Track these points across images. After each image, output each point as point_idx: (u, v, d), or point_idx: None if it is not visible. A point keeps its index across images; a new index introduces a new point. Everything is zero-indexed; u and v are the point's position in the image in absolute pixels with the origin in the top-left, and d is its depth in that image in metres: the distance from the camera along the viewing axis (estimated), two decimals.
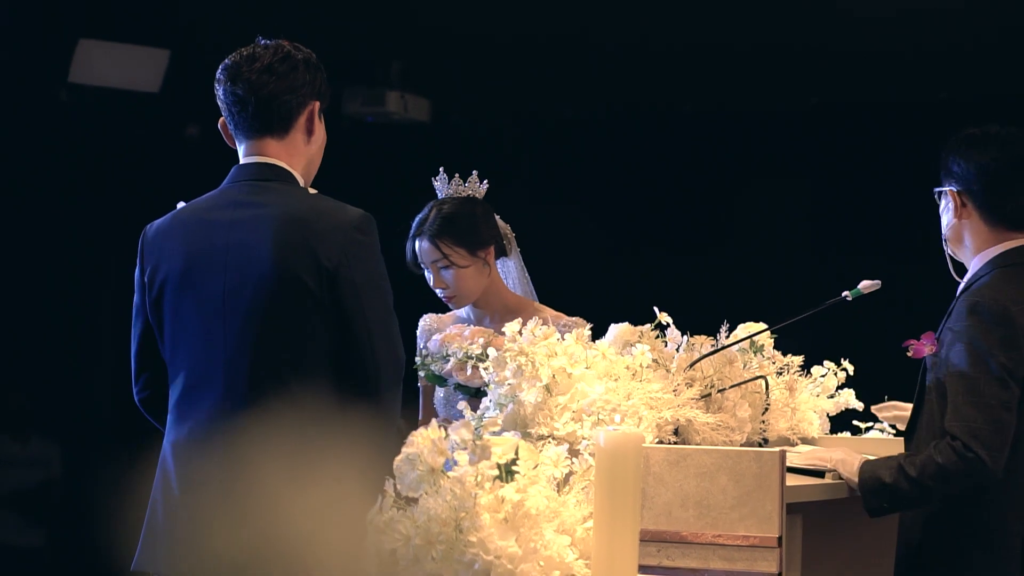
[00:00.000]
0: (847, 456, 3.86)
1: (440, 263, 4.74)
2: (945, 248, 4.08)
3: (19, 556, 10.71)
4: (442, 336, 4.69)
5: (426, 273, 4.80)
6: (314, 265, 3.49)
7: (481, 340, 4.54)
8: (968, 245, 4.00)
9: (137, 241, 3.73)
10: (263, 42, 3.68)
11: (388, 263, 3.64)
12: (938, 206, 4.07)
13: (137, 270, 3.69)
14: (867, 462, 3.82)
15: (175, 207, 3.74)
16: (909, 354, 3.97)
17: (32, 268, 10.86)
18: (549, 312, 4.74)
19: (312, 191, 3.69)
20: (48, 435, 10.78)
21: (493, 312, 4.77)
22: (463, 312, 4.91)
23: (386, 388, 3.54)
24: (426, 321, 4.94)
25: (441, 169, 4.85)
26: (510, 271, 4.94)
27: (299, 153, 3.69)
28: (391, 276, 3.64)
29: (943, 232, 4.05)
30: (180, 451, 3.55)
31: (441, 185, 4.84)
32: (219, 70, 3.68)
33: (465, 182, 4.82)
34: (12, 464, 10.69)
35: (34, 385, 10.79)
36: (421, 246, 4.76)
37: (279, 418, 3.45)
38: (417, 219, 4.81)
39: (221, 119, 3.72)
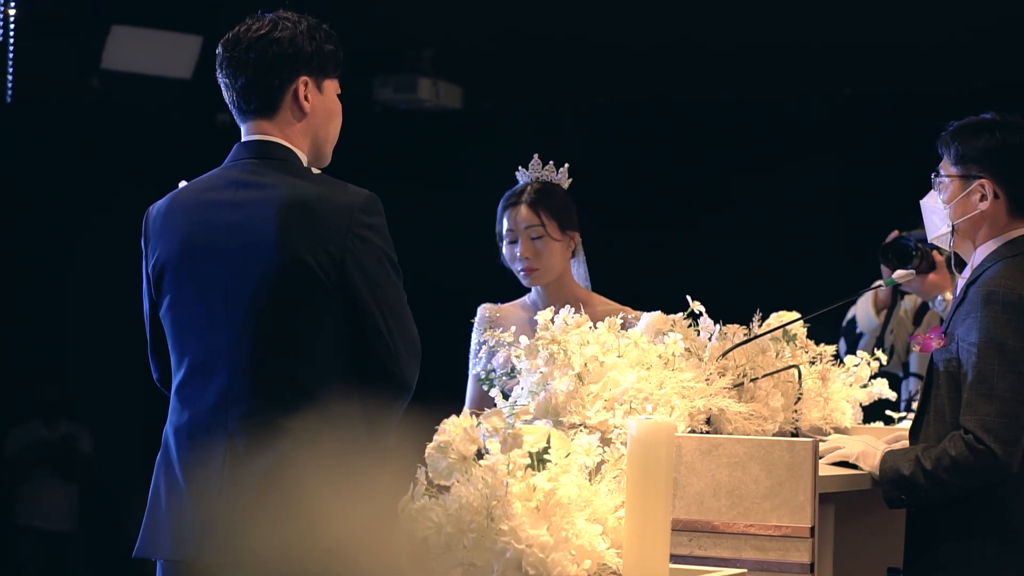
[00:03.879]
0: (867, 448, 3.81)
1: (534, 231, 4.80)
2: (945, 238, 3.96)
3: (50, 541, 10.77)
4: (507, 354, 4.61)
5: (506, 247, 4.83)
6: (319, 248, 3.43)
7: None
8: (980, 236, 3.88)
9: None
10: (251, 20, 3.61)
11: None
12: (939, 193, 3.91)
13: (143, 254, 3.62)
14: (889, 453, 3.78)
15: (176, 186, 3.67)
16: (916, 349, 3.92)
17: (63, 256, 10.90)
18: (614, 306, 4.75)
19: (315, 171, 3.62)
20: (77, 421, 10.84)
21: (561, 303, 4.66)
22: (527, 300, 4.91)
23: (408, 373, 3.51)
24: (486, 310, 4.94)
25: (536, 155, 4.88)
26: (578, 272, 4.95)
27: (295, 131, 3.60)
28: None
29: (953, 222, 3.88)
30: (183, 438, 3.50)
31: (531, 170, 4.86)
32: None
33: (556, 170, 4.87)
34: (43, 449, 10.75)
35: (65, 372, 10.84)
36: (517, 213, 4.82)
37: (287, 408, 3.41)
38: (508, 193, 4.88)
39: None
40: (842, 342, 6.02)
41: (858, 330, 6.05)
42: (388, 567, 3.08)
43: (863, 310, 6.05)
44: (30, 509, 10.70)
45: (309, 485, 3.33)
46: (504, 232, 4.85)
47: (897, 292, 5.85)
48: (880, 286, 4.35)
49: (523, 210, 4.81)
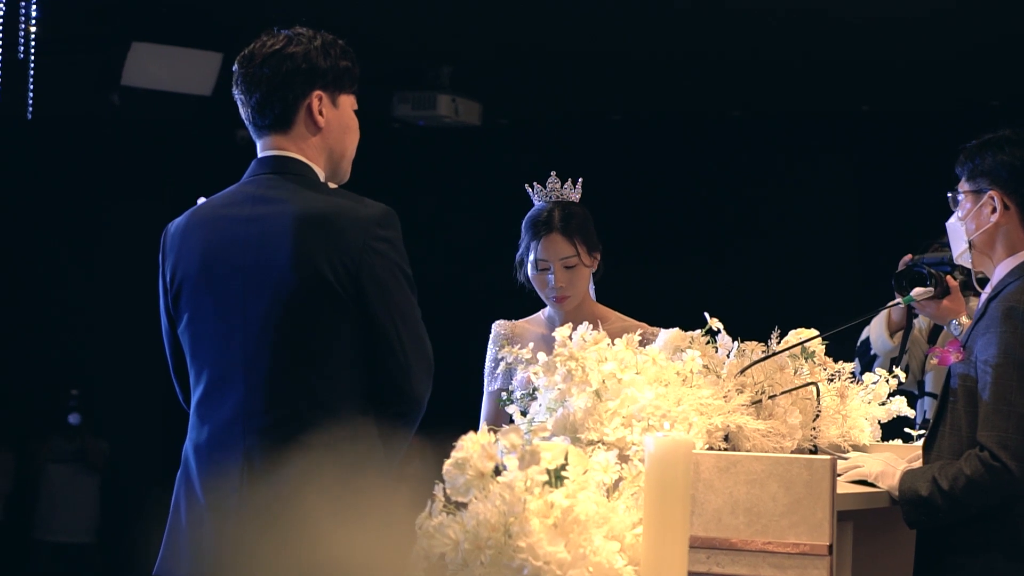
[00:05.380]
0: (887, 468, 3.81)
1: (570, 260, 4.76)
2: (965, 254, 3.97)
3: (68, 553, 10.79)
4: (528, 374, 4.58)
5: (535, 274, 4.78)
6: (335, 262, 3.43)
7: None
8: (997, 251, 3.90)
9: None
10: (266, 36, 3.63)
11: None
12: (956, 211, 3.96)
13: (159, 271, 3.63)
14: (907, 473, 3.77)
15: (195, 203, 3.69)
16: (934, 362, 3.92)
17: (82, 270, 10.93)
18: (631, 323, 4.72)
19: (332, 186, 3.62)
20: (96, 433, 10.86)
21: (579, 320, 4.61)
22: (543, 316, 4.89)
23: (420, 390, 3.51)
24: (502, 327, 4.90)
25: (553, 173, 4.85)
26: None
27: (310, 145, 3.61)
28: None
29: (968, 238, 3.93)
30: (203, 454, 3.50)
31: (549, 189, 4.82)
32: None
33: (563, 186, 4.83)
34: (62, 461, 10.77)
35: (84, 384, 10.86)
36: (552, 243, 4.76)
37: (304, 422, 3.41)
38: (533, 218, 4.81)
39: None
40: (856, 363, 5.98)
41: (872, 351, 6.00)
42: None
43: (876, 332, 6.00)
44: (48, 522, 10.73)
45: (317, 516, 3.32)
46: (534, 260, 4.78)
47: (911, 313, 5.81)
48: (897, 303, 4.32)
49: (558, 239, 4.76)
